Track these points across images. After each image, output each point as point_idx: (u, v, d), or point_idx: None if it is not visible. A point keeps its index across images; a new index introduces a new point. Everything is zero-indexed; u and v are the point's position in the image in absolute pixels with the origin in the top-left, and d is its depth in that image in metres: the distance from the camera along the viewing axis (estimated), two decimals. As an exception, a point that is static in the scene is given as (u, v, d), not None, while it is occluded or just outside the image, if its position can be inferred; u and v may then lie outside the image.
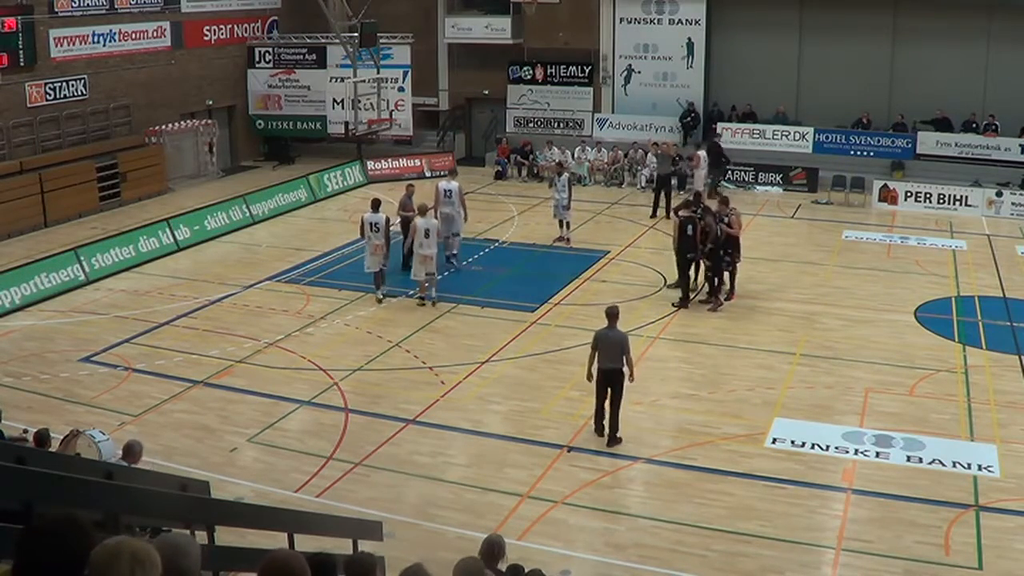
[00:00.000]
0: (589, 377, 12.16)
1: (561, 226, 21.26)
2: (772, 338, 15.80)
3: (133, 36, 26.57)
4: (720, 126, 28.63)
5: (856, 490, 10.97)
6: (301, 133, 31.03)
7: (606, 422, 12.10)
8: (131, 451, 9.06)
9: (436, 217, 18.53)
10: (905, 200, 25.44)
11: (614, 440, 12.05)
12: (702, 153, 25.18)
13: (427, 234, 16.98)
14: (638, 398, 13.40)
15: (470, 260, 20.04)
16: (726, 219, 17.15)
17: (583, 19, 30.40)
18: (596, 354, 12.03)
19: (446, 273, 18.73)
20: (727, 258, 17.21)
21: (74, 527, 2.94)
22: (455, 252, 19.52)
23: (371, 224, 17.26)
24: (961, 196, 25.04)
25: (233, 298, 17.87)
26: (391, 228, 17.61)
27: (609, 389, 11.96)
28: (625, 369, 11.95)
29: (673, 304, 17.11)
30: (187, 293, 18.12)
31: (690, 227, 16.98)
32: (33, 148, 23.67)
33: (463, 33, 31.28)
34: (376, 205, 17.68)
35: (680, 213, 17.47)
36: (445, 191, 19.30)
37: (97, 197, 24.14)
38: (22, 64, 23.29)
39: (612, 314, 12.21)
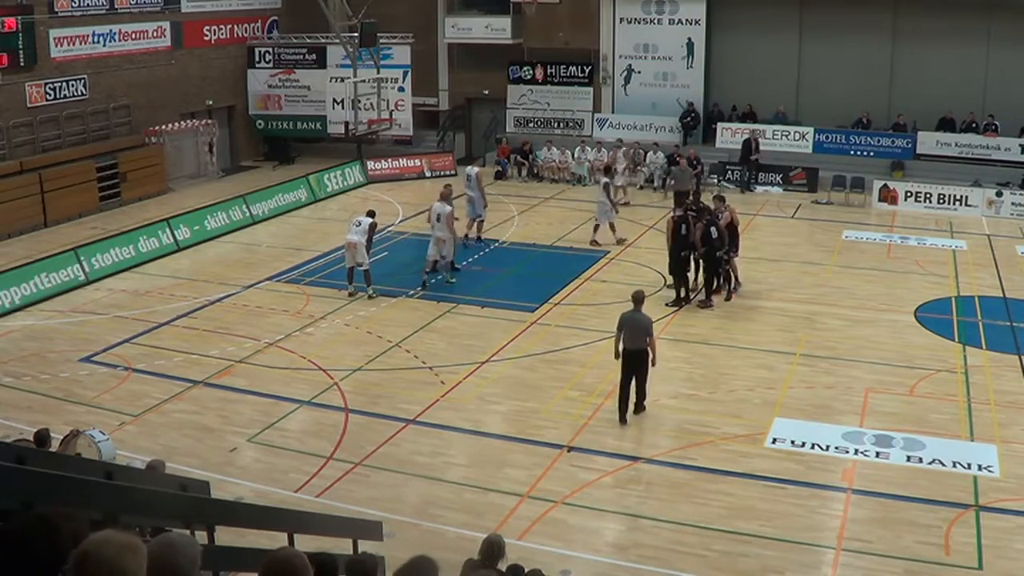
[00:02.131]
0: (617, 355, 12.70)
1: (613, 229, 21.14)
2: (772, 338, 15.80)
3: (133, 36, 26.58)
4: (720, 126, 28.65)
5: (856, 490, 10.96)
6: (301, 133, 31.04)
7: (631, 402, 12.69)
8: (154, 472, 8.84)
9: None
10: (905, 200, 25.44)
11: (640, 408, 12.78)
12: (621, 152, 26.28)
13: (439, 218, 18.08)
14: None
15: (470, 260, 20.05)
16: (719, 216, 17.19)
17: (583, 19, 30.42)
18: (621, 335, 12.62)
19: (452, 278, 18.79)
20: (725, 256, 17.27)
21: (44, 527, 2.94)
22: (478, 235, 21.36)
23: (354, 222, 18.01)
24: (961, 196, 25.04)
25: (233, 298, 17.87)
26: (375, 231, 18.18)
27: (634, 369, 12.56)
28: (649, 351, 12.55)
29: (667, 304, 17.10)
30: (187, 293, 18.12)
31: (683, 226, 17.04)
32: (33, 148, 23.67)
33: (463, 33, 31.28)
34: (368, 213, 18.30)
35: (675, 212, 17.50)
36: (467, 176, 21.42)
37: (97, 197, 24.14)
38: (22, 64, 23.29)
39: (638, 298, 12.88)
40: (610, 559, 9.73)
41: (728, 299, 17.44)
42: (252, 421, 12.74)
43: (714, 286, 17.35)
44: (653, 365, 12.63)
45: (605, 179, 21.38)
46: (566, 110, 30.65)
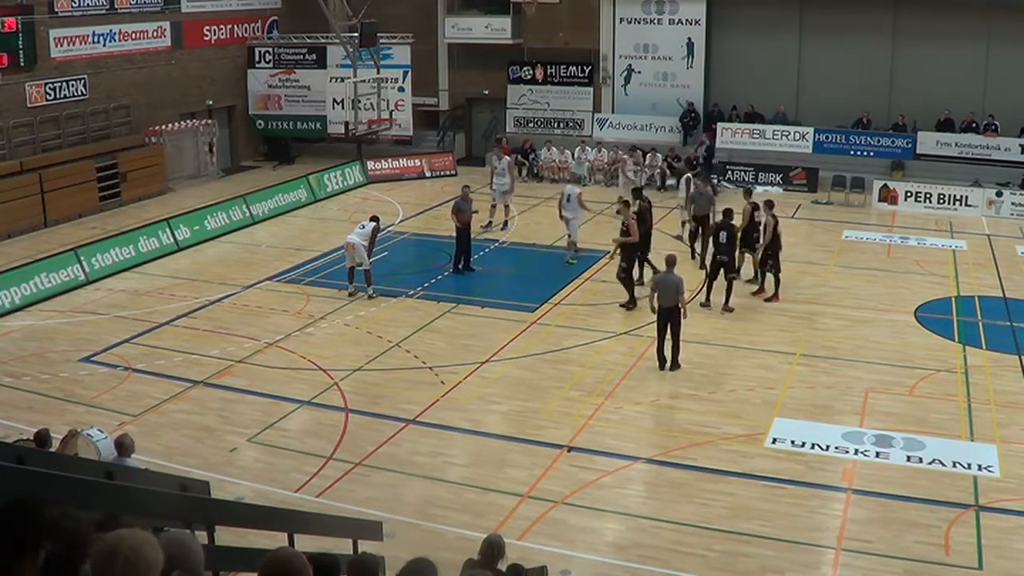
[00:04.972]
0: (653, 310, 14.29)
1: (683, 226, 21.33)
2: (772, 338, 15.80)
3: (133, 36, 26.57)
4: (720, 126, 28.66)
5: (856, 490, 10.97)
6: (301, 133, 31.02)
7: (667, 354, 14.26)
8: (123, 446, 9.10)
9: (492, 185, 22.46)
10: (905, 200, 25.45)
11: (676, 365, 14.28)
12: (624, 155, 26.03)
13: (568, 199, 19.66)
14: (638, 398, 13.44)
15: (470, 260, 20.02)
16: (757, 219, 17.61)
17: (583, 19, 30.41)
18: (655, 295, 14.11)
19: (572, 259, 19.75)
20: (770, 260, 17.55)
21: (24, 509, 2.97)
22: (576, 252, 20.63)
23: (359, 225, 18.30)
24: (961, 196, 25.04)
25: (233, 298, 17.87)
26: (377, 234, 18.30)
27: (668, 324, 14.11)
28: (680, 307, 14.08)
29: (621, 305, 17.10)
30: (187, 293, 18.12)
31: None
32: (33, 148, 23.66)
33: (463, 33, 31.28)
34: (372, 218, 18.38)
35: (632, 211, 17.57)
36: (495, 166, 22.63)
37: (97, 197, 24.13)
38: (22, 64, 23.27)
39: (671, 261, 14.39)
40: (610, 559, 9.73)
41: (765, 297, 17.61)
42: (252, 421, 12.74)
43: (713, 287, 17.32)
44: (685, 318, 14.20)
45: (690, 174, 21.70)
46: (566, 110, 30.64)
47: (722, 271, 17.05)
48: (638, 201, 18.46)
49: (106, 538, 2.85)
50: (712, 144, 27.68)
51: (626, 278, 17.13)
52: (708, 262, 17.93)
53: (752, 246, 17.88)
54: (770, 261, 17.59)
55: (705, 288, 17.36)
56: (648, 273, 17.43)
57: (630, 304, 16.99)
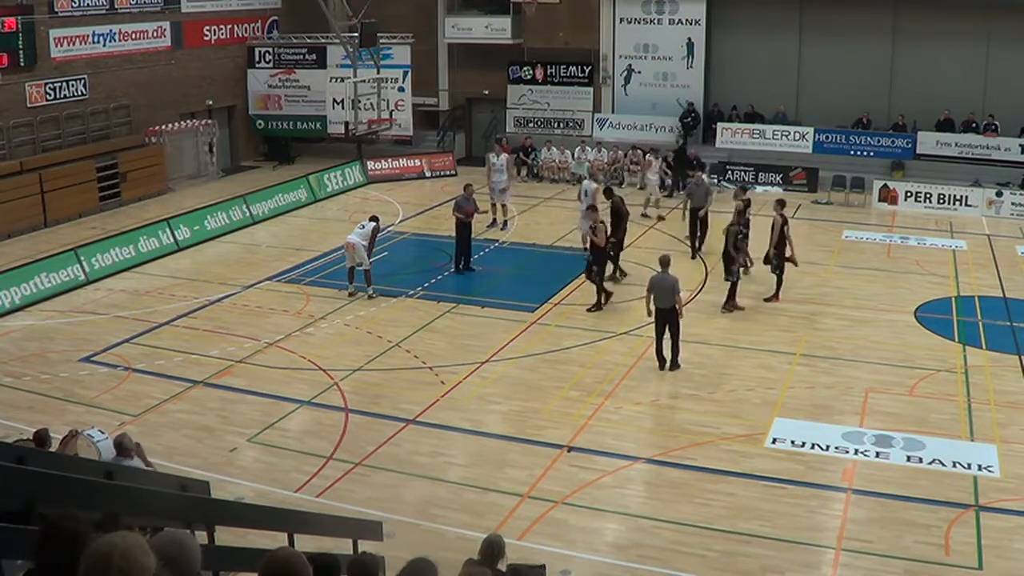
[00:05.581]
0: (649, 313, 14.35)
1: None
2: (772, 338, 15.80)
3: (133, 36, 26.57)
4: (720, 126, 28.68)
5: (856, 490, 10.97)
6: (301, 133, 31.02)
7: (667, 354, 14.23)
8: (122, 447, 9.08)
9: (490, 184, 22.59)
10: (905, 200, 25.45)
11: (675, 365, 14.24)
12: (651, 157, 25.55)
13: (586, 193, 19.71)
14: (638, 398, 13.45)
15: (470, 260, 20.02)
16: (751, 216, 17.70)
17: (583, 19, 30.42)
18: (651, 296, 14.16)
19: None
20: (775, 260, 17.49)
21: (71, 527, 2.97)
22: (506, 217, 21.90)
23: (359, 225, 18.36)
24: (961, 196, 25.05)
25: (233, 298, 17.88)
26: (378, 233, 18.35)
27: (666, 325, 14.12)
28: (676, 307, 14.08)
29: (588, 309, 17.04)
30: (187, 293, 18.12)
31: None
32: (33, 148, 23.66)
33: (463, 33, 31.29)
34: (372, 218, 18.41)
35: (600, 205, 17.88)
36: (493, 163, 22.96)
37: (97, 197, 24.13)
38: (22, 64, 23.27)
39: (665, 261, 14.44)
40: (610, 559, 9.74)
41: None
42: (252, 421, 12.74)
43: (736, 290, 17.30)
44: (680, 317, 14.10)
45: (701, 174, 22.17)
46: (566, 110, 30.65)
47: (726, 274, 17.08)
48: (610, 200, 18.38)
49: (96, 545, 2.84)
50: (685, 143, 27.84)
51: (596, 279, 17.08)
52: (701, 252, 18.00)
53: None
54: (774, 260, 17.55)
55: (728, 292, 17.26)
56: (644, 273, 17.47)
57: (595, 306, 17.01)
